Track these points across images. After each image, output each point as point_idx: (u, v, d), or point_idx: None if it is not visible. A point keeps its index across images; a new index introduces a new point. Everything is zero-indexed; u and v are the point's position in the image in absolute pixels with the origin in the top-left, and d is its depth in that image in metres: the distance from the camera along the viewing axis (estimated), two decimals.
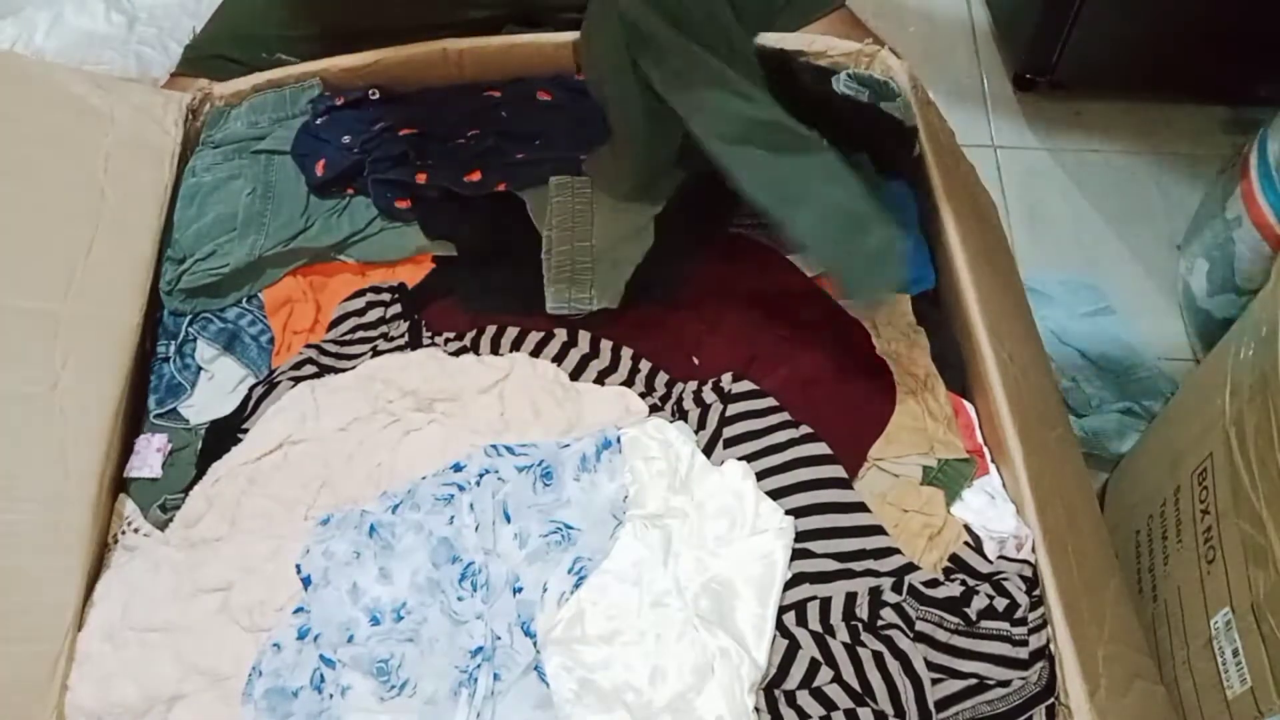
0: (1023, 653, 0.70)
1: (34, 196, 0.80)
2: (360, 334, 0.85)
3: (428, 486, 0.76)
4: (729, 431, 0.79)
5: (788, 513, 0.74)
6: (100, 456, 0.76)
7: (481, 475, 0.76)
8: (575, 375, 0.83)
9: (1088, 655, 0.69)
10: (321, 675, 0.69)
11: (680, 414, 0.81)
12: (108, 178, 0.83)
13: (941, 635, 0.71)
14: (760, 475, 0.76)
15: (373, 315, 0.85)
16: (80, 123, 0.85)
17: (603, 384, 0.82)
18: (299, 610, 0.72)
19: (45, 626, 0.70)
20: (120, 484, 0.78)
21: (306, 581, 0.73)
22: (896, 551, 0.74)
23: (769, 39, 0.93)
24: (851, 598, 0.73)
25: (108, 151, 0.84)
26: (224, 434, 0.80)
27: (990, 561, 0.74)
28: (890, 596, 0.72)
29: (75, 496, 0.74)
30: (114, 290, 0.81)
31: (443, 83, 0.96)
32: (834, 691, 0.70)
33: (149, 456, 0.79)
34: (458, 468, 0.77)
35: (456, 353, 0.83)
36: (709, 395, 0.82)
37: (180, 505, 0.77)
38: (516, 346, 0.84)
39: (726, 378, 0.82)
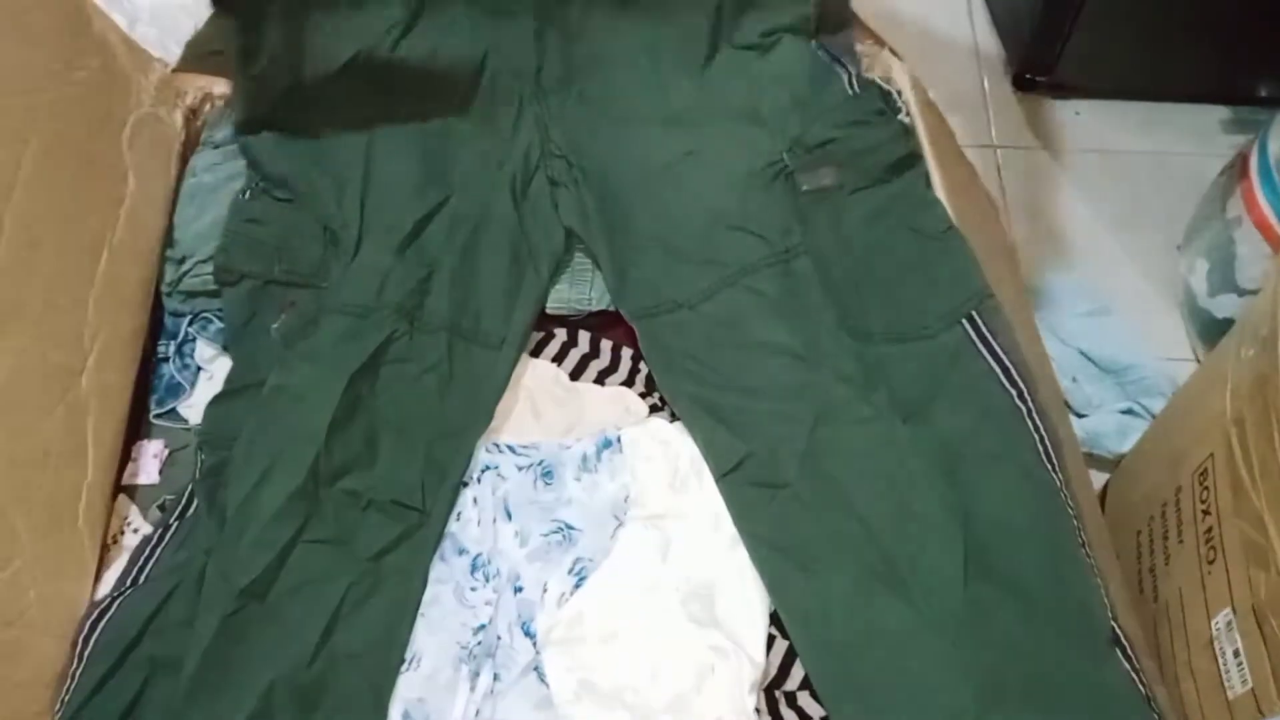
0: None
1: (63, 163, 0.75)
2: None
3: None
4: None
5: None
6: (114, 455, 0.76)
7: (483, 471, 0.77)
8: (575, 375, 0.83)
9: None
10: None
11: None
12: (131, 156, 0.81)
13: None
14: None
15: None
16: (111, 85, 0.82)
17: (603, 384, 0.82)
18: None
19: (55, 626, 0.70)
20: (119, 483, 0.78)
21: None
22: None
23: None
24: None
25: (132, 128, 0.82)
26: None
27: None
28: None
29: (95, 493, 0.74)
30: (128, 286, 0.80)
31: None
32: None
33: (146, 463, 0.79)
34: None
35: None
36: None
37: (178, 506, 0.77)
38: None
39: None
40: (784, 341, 0.78)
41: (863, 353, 0.76)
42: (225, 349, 0.82)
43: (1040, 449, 0.70)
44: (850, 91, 0.86)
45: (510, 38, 0.87)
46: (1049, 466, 0.70)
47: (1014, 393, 0.72)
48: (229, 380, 0.79)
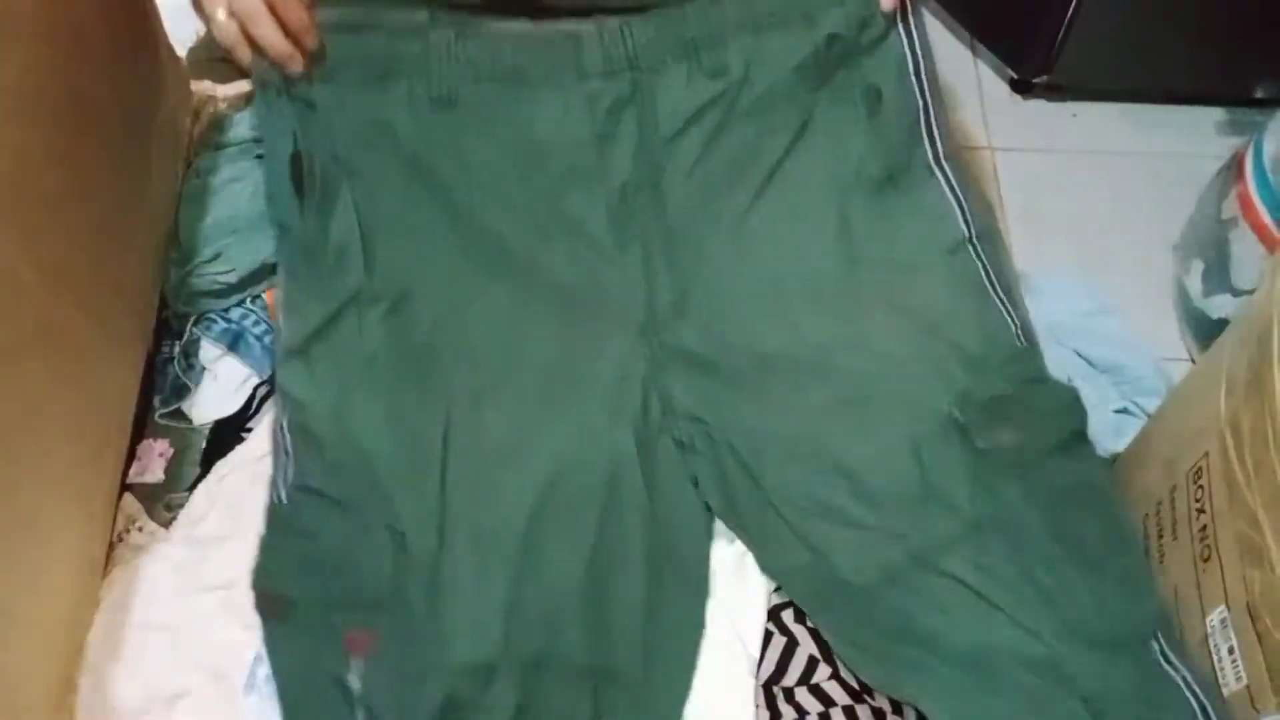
0: None
1: (113, 156, 0.74)
2: None
3: None
4: None
5: None
6: (123, 454, 0.77)
7: None
8: None
9: None
10: None
11: None
12: (155, 154, 0.81)
13: None
14: None
15: None
16: (154, 78, 0.82)
17: None
18: None
19: (57, 627, 0.70)
20: (124, 482, 0.79)
21: None
22: None
23: None
24: None
25: (159, 126, 0.82)
26: (228, 433, 0.81)
27: None
28: None
29: (102, 495, 0.74)
30: (142, 284, 0.81)
31: None
32: (832, 688, 0.70)
33: (151, 462, 0.80)
34: None
35: None
36: None
37: (184, 504, 0.77)
38: None
39: None
40: (976, 640, 0.66)
41: (1052, 658, 0.65)
42: (230, 348, 0.82)
43: None
44: (1018, 343, 0.76)
45: (617, 267, 0.76)
46: None
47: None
48: None
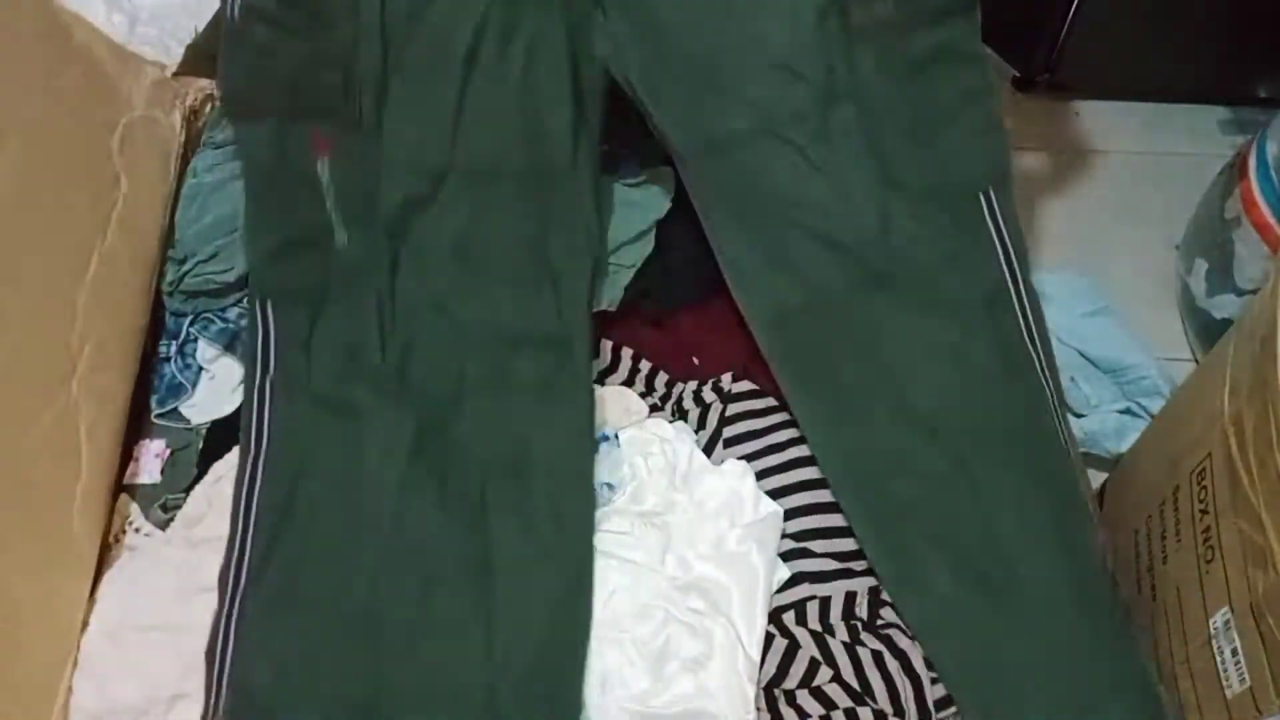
0: None
1: (46, 168, 0.75)
2: None
3: None
4: (729, 431, 0.80)
5: (787, 511, 0.75)
6: (112, 455, 0.76)
7: None
8: None
9: None
10: None
11: (680, 414, 0.81)
12: (122, 160, 0.81)
13: None
14: (760, 475, 0.77)
15: None
16: (96, 91, 0.82)
17: (603, 384, 0.82)
18: None
19: (54, 628, 0.70)
20: (120, 483, 0.79)
21: None
22: None
23: None
24: (851, 597, 0.73)
25: (123, 132, 0.81)
26: (225, 434, 0.80)
27: None
28: (889, 596, 0.72)
29: (89, 496, 0.74)
30: (124, 286, 0.80)
31: None
32: (833, 690, 0.70)
33: (148, 462, 0.79)
34: None
35: None
36: (709, 395, 0.82)
37: (181, 505, 0.77)
38: None
39: (726, 377, 0.82)
40: (815, 199, 0.75)
41: (891, 204, 0.74)
42: (227, 348, 0.81)
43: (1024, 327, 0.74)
44: None
45: None
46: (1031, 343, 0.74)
47: (1008, 274, 0.74)
48: (256, 228, 0.76)
